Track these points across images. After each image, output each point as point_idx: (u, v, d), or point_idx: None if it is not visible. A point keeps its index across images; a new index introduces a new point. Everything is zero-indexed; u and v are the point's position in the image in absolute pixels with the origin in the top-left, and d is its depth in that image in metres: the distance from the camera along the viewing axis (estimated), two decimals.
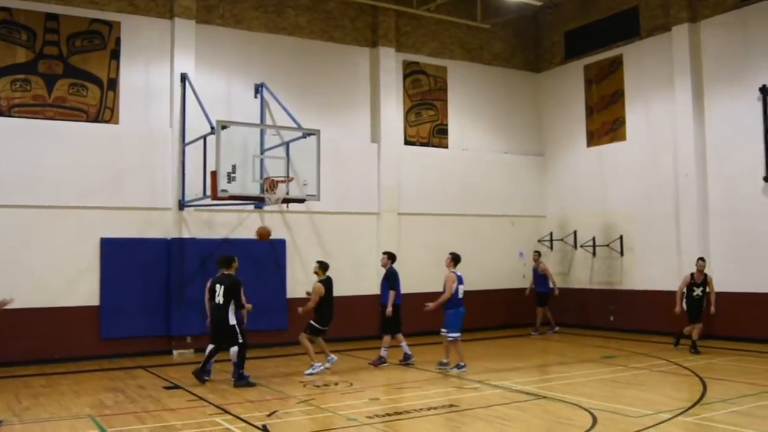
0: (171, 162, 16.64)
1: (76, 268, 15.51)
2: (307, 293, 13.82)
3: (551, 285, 19.61)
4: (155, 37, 16.83)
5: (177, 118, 16.74)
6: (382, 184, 19.31)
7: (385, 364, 14.24)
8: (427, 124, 20.58)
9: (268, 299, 16.52)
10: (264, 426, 9.27)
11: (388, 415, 9.97)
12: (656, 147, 19.03)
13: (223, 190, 13.99)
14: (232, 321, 12.32)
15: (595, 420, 9.33)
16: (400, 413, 10.07)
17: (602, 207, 20.43)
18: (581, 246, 20.89)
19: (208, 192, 14.78)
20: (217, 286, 12.44)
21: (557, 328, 19.77)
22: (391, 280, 14.44)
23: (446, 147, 20.83)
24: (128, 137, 16.31)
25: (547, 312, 19.69)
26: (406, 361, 14.44)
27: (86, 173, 15.74)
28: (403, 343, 14.47)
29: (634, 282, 19.50)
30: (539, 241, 21.85)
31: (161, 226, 16.48)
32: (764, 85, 16.55)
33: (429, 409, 10.25)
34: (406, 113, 20.21)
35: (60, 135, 15.57)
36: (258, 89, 17.58)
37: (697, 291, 15.41)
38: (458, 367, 13.39)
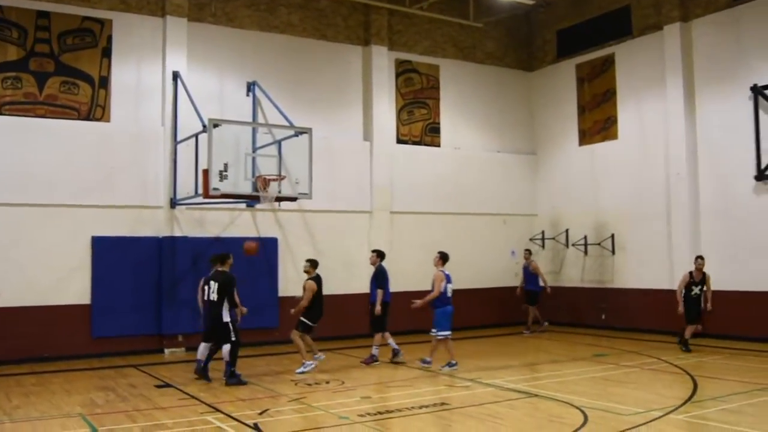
0: (163, 160, 16.61)
1: (67, 266, 15.47)
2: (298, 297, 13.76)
3: (542, 284, 19.63)
4: (147, 35, 16.79)
5: (169, 116, 16.70)
6: (374, 183, 19.31)
7: (377, 363, 14.24)
8: (419, 122, 20.58)
9: (260, 297, 16.49)
10: (255, 424, 9.27)
11: (380, 413, 9.97)
12: (648, 146, 19.08)
13: (215, 189, 13.96)
14: (226, 318, 12.30)
15: (586, 418, 9.35)
16: (392, 412, 10.06)
17: (594, 206, 20.48)
18: (573, 245, 20.93)
19: (200, 190, 14.77)
20: (211, 282, 12.42)
21: (546, 323, 19.84)
22: (379, 278, 14.44)
23: (438, 146, 20.84)
24: (120, 135, 16.27)
25: (535, 310, 19.69)
26: (395, 357, 14.46)
27: (77, 171, 15.69)
28: (390, 340, 14.50)
29: (626, 281, 19.55)
30: (531, 239, 21.88)
31: (153, 225, 16.44)
32: (755, 85, 16.60)
33: (420, 407, 10.26)
34: (399, 112, 20.21)
35: (51, 133, 15.52)
36: (250, 87, 17.55)
37: (696, 290, 15.40)
38: (450, 365, 13.40)
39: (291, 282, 16.70)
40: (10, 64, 15.38)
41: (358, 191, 19.13)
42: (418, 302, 13.56)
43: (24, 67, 15.50)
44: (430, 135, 20.73)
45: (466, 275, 19.85)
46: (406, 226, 19.71)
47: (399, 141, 20.12)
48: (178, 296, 16.17)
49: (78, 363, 14.79)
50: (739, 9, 17.20)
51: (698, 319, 15.41)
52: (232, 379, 12.16)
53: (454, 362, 13.45)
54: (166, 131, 16.67)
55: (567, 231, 21.18)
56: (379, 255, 14.69)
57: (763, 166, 16.43)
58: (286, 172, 15.10)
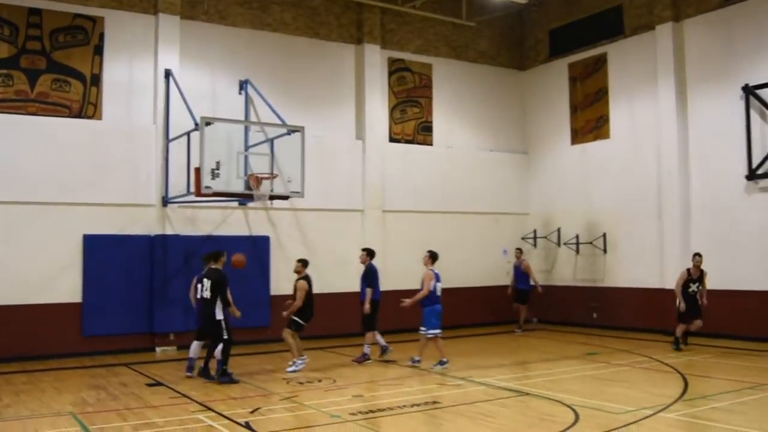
0: (154, 158, 16.57)
1: (58, 264, 15.42)
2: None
3: (532, 282, 19.64)
4: (139, 33, 16.74)
5: (161, 114, 16.67)
6: (366, 181, 19.32)
7: (369, 361, 14.25)
8: (412, 121, 20.59)
9: (252, 296, 16.47)
10: (247, 423, 9.26)
11: (371, 412, 9.98)
12: (639, 145, 19.13)
13: (207, 187, 13.94)
14: (219, 316, 12.28)
15: (577, 416, 9.37)
16: (383, 410, 10.06)
17: (586, 205, 20.52)
18: (565, 243, 20.98)
19: (192, 188, 14.75)
20: (204, 280, 12.42)
21: (535, 320, 19.91)
22: (369, 277, 14.45)
23: (431, 144, 20.85)
24: (111, 133, 16.23)
25: (526, 309, 19.69)
26: (383, 353, 14.48)
27: (69, 169, 15.65)
28: (378, 337, 14.54)
29: (617, 279, 19.60)
30: (523, 238, 21.91)
31: (144, 223, 16.41)
32: (747, 84, 16.66)
33: (412, 405, 10.26)
34: (391, 110, 20.21)
35: (43, 131, 15.47)
36: (242, 85, 17.53)
37: (693, 287, 15.36)
38: (441, 363, 13.41)
39: (283, 280, 16.67)
40: (1, 61, 15.31)
41: (350, 190, 19.13)
42: (408, 301, 13.57)
43: (15, 64, 15.44)
44: (422, 134, 20.74)
45: (458, 274, 19.93)
46: (398, 224, 19.72)
47: (391, 140, 20.12)
48: (169, 295, 16.14)
49: (69, 361, 14.75)
50: (730, 9, 17.25)
51: (699, 316, 15.34)
52: (224, 377, 12.14)
53: (445, 360, 13.46)
54: (158, 129, 16.63)
55: (559, 230, 21.22)
56: (369, 254, 14.69)
57: (754, 165, 16.49)
58: (279, 171, 15.11)
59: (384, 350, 14.55)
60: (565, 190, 21.26)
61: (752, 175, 16.52)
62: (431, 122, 20.91)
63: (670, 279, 17.82)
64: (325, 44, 19.25)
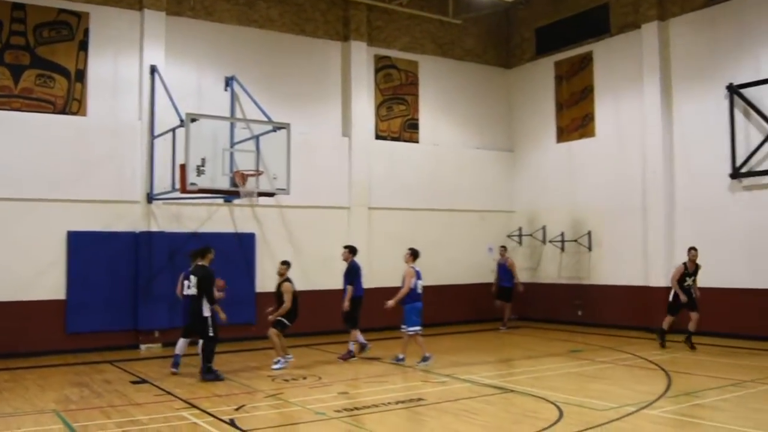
0: (140, 155, 16.49)
1: (42, 261, 15.33)
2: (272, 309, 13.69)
3: (516, 280, 19.68)
4: (125, 29, 16.65)
5: (146, 110, 16.59)
6: (352, 179, 19.31)
7: (354, 359, 14.26)
8: (398, 118, 20.59)
9: (237, 293, 16.39)
10: (232, 420, 9.24)
11: (356, 409, 9.99)
12: (625, 143, 19.22)
13: (192, 184, 13.90)
14: (207, 313, 12.25)
15: (561, 413, 9.41)
16: (368, 407, 10.07)
17: (571, 202, 20.59)
18: (550, 241, 21.06)
19: (177, 185, 14.68)
20: (191, 277, 12.40)
21: (515, 317, 20.01)
22: (351, 274, 14.45)
23: (417, 142, 20.86)
24: (96, 129, 16.14)
25: (509, 306, 19.71)
26: (362, 350, 14.50)
27: (53, 165, 15.55)
28: (358, 334, 14.55)
29: (602, 277, 19.69)
30: (509, 236, 21.96)
31: (129, 220, 16.33)
32: (731, 84, 16.77)
33: (397, 402, 10.28)
34: (378, 108, 20.21)
35: (26, 126, 15.36)
36: (228, 82, 17.44)
37: (689, 281, 15.35)
38: (424, 359, 13.43)
39: (269, 278, 16.62)
40: None
41: (336, 187, 19.11)
42: (390, 302, 13.57)
43: None
44: (408, 131, 20.74)
45: (444, 271, 19.98)
46: (384, 222, 19.72)
47: (377, 137, 20.12)
48: (154, 292, 16.08)
49: (52, 359, 14.67)
50: (715, 9, 17.35)
51: (695, 308, 15.33)
52: (209, 374, 12.12)
53: (428, 356, 13.49)
54: (143, 125, 16.56)
55: (544, 227, 21.29)
56: (352, 251, 14.70)
57: (738, 164, 16.61)
58: (264, 168, 15.05)
59: (363, 347, 14.57)
60: (550, 188, 21.33)
61: (736, 174, 16.63)
62: (417, 120, 20.92)
63: (654, 277, 18.01)
64: (312, 41, 19.21)
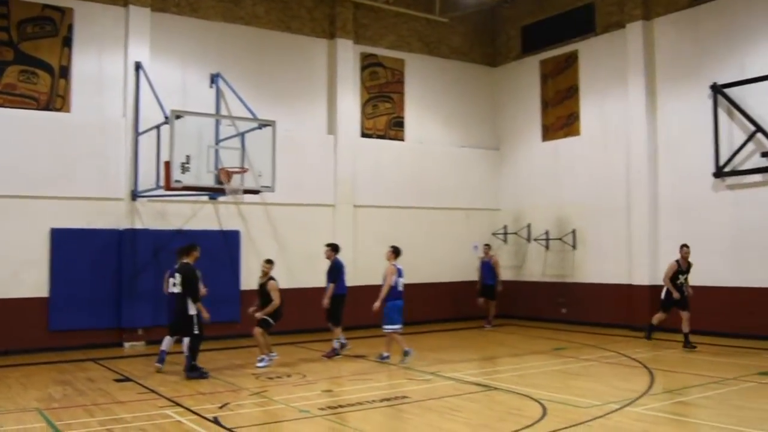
0: (124, 152, 16.41)
1: (24, 258, 15.23)
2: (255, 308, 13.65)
3: (498, 279, 19.68)
4: (109, 25, 16.55)
5: (130, 107, 16.51)
6: (338, 176, 19.29)
7: (338, 356, 14.26)
8: (383, 116, 20.59)
9: (222, 291, 16.35)
10: (215, 418, 9.21)
11: (341, 406, 9.99)
12: (609, 142, 19.30)
13: (177, 181, 13.86)
14: (192, 311, 12.20)
15: (545, 411, 9.45)
16: (353, 405, 10.08)
17: (556, 201, 20.66)
18: (535, 239, 21.12)
19: (162, 182, 14.63)
20: (176, 274, 12.36)
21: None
22: (334, 272, 14.45)
23: (403, 140, 20.87)
24: (80, 126, 16.04)
25: (494, 304, 19.73)
26: (341, 348, 14.48)
27: (37, 162, 15.44)
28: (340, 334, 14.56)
29: (586, 275, 19.77)
30: (494, 234, 22.00)
31: (113, 217, 16.25)
32: (715, 83, 16.87)
33: (381, 400, 10.29)
34: (363, 105, 20.20)
35: (9, 123, 15.25)
36: (213, 79, 17.41)
37: (682, 278, 15.40)
38: (405, 354, 13.41)
39: (253, 275, 16.56)
40: None
41: (321, 185, 19.09)
42: (376, 304, 13.50)
43: None
44: (394, 129, 20.75)
45: (428, 269, 20.01)
46: (369, 219, 19.72)
47: (363, 135, 20.11)
48: (138, 289, 16.02)
49: (35, 357, 14.56)
50: (699, 9, 17.45)
51: (687, 307, 15.39)
52: (193, 372, 12.09)
53: (407, 350, 13.45)
54: (127, 122, 16.47)
55: (529, 226, 21.35)
56: (334, 249, 14.71)
57: (721, 163, 16.71)
58: (249, 165, 15.01)
59: (342, 345, 14.57)
60: (535, 187, 21.39)
61: (719, 173, 16.74)
62: (403, 118, 20.93)
63: (638, 275, 18.11)
64: (298, 38, 19.18)
